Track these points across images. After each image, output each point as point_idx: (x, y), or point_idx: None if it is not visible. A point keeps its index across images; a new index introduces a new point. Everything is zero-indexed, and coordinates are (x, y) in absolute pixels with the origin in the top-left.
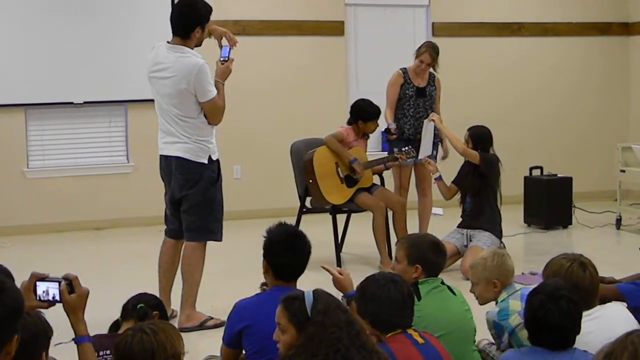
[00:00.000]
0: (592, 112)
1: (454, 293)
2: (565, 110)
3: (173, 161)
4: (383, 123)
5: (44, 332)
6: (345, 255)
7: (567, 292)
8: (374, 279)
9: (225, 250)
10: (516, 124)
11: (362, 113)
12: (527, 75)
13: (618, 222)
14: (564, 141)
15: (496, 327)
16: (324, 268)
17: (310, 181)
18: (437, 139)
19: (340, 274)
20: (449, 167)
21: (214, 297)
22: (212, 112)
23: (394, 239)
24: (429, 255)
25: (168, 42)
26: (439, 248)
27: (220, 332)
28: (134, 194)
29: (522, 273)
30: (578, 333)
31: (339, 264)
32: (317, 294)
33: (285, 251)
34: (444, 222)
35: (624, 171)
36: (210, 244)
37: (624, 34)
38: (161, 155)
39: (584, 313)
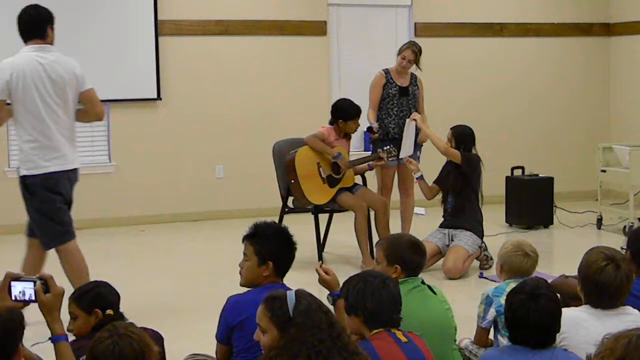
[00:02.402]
0: (574, 113)
1: (434, 292)
2: (547, 110)
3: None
4: (365, 123)
5: (20, 324)
6: (327, 255)
7: (547, 291)
8: (369, 277)
9: (208, 250)
10: (498, 123)
11: (342, 112)
12: (509, 76)
13: (599, 222)
14: (545, 141)
15: (487, 302)
16: (317, 271)
17: (293, 181)
18: (419, 142)
19: (327, 273)
20: (431, 167)
21: (198, 298)
22: None
23: (376, 238)
24: (407, 255)
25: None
26: (418, 247)
27: (198, 331)
28: (115, 194)
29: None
30: (558, 331)
31: (321, 263)
32: (299, 294)
33: (284, 245)
34: (426, 222)
35: (604, 171)
36: (187, 246)
37: (605, 34)
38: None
39: (615, 311)
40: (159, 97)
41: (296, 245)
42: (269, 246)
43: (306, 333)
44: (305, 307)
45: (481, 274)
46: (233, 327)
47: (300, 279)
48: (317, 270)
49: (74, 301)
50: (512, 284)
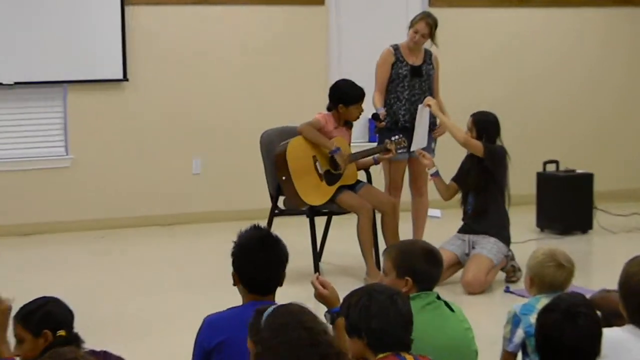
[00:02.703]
0: (617, 97)
1: (452, 310)
2: (585, 94)
3: None
4: (370, 109)
5: None
6: (325, 266)
7: (585, 308)
8: (374, 291)
9: (183, 260)
10: (527, 110)
11: (343, 96)
12: (538, 53)
13: None
14: (583, 131)
15: (514, 321)
16: (313, 284)
17: (284, 178)
18: (435, 128)
19: (324, 286)
20: (448, 161)
21: (171, 317)
22: None
23: (382, 246)
24: (420, 266)
25: None
26: (433, 257)
27: (169, 357)
28: (72, 193)
29: None
30: (598, 355)
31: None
32: (277, 309)
33: (256, 259)
34: (443, 226)
35: None
36: (158, 254)
37: None
38: None
39: None
40: (125, 78)
41: (283, 258)
42: (235, 259)
43: (269, 352)
44: (278, 323)
45: (507, 288)
46: (210, 351)
47: (292, 293)
48: (312, 283)
49: (19, 322)
50: (544, 301)
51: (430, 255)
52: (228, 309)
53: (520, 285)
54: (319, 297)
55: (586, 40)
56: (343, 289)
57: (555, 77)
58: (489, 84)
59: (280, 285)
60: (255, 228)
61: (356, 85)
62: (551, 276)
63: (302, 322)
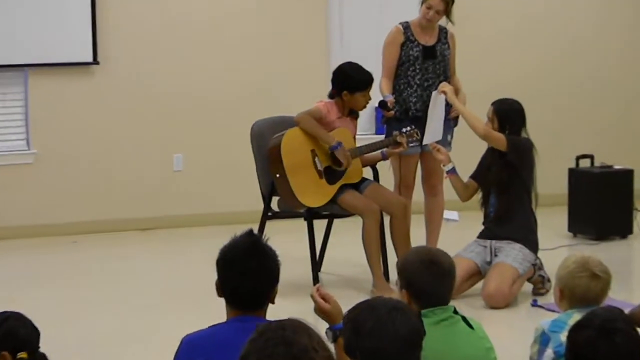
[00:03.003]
0: None
1: (471, 327)
2: (624, 79)
3: None
4: (377, 96)
5: None
6: (325, 276)
7: (623, 324)
8: (371, 306)
9: (162, 269)
10: (556, 97)
11: (347, 81)
12: (569, 30)
13: None
14: (621, 121)
15: (542, 340)
16: (312, 297)
17: (278, 175)
18: (450, 118)
19: (326, 300)
20: (466, 156)
21: (148, 336)
22: None
23: (391, 253)
24: (417, 277)
25: None
26: (435, 267)
27: None
28: (36, 193)
29: None
30: None
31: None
32: (268, 326)
33: (241, 269)
34: (460, 230)
35: None
36: (134, 263)
37: None
38: None
39: None
40: (95, 61)
41: (272, 268)
42: (218, 268)
43: None
44: (259, 344)
45: (535, 301)
46: None
47: (288, 308)
48: (312, 296)
49: None
50: (576, 316)
51: (430, 265)
52: (209, 327)
53: (550, 298)
54: (320, 312)
55: (624, 14)
56: (346, 303)
57: (587, 57)
58: (512, 67)
59: (272, 302)
60: (248, 234)
61: (363, 69)
62: (584, 288)
63: (287, 341)
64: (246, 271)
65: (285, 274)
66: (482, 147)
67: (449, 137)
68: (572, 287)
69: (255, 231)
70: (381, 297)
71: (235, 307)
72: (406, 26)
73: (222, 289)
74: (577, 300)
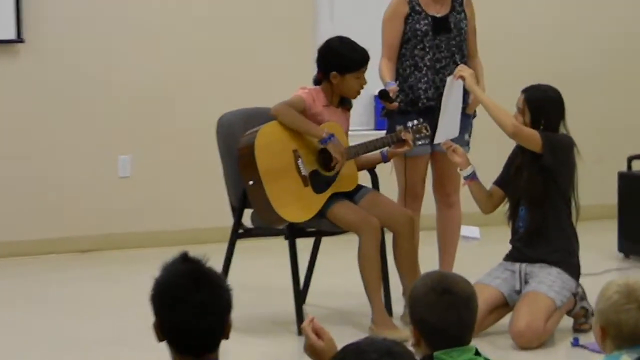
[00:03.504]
0: None
1: None
2: None
3: None
4: (376, 83)
5: None
6: (312, 309)
7: None
8: (359, 351)
9: (104, 301)
10: (604, 86)
11: (337, 59)
12: (620, 8)
13: None
14: None
15: None
16: (304, 331)
17: (251, 182)
18: (468, 110)
19: (319, 336)
20: (489, 158)
21: None
22: None
23: (395, 278)
24: (429, 311)
25: None
26: (449, 298)
27: None
28: None
29: None
30: None
31: (301, 322)
32: None
33: (187, 304)
34: (483, 250)
35: None
36: (69, 293)
37: None
38: None
39: None
40: (19, 39)
41: (221, 299)
42: (156, 305)
43: None
44: None
45: (576, 340)
46: None
47: (266, 349)
48: (304, 330)
49: None
50: (626, 358)
51: (444, 294)
52: None
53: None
54: (311, 350)
55: None
56: (338, 344)
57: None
58: (547, 47)
59: (226, 337)
60: (183, 259)
61: (356, 44)
62: (632, 323)
63: None
64: (193, 306)
65: (262, 307)
66: (509, 146)
67: (466, 135)
68: (617, 324)
69: (191, 257)
70: (374, 339)
71: (183, 352)
72: None
73: (163, 331)
74: (625, 339)
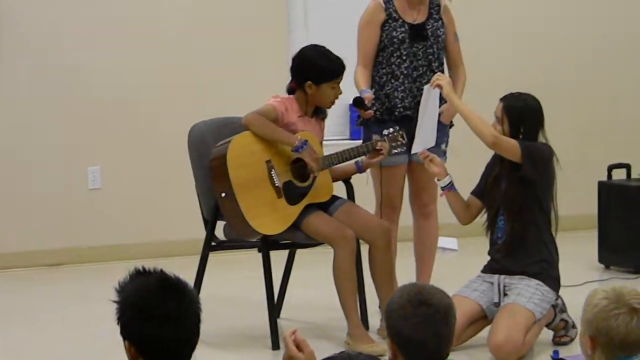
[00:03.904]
0: None
1: None
2: None
3: None
4: (351, 91)
5: None
6: (285, 323)
7: None
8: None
9: (77, 317)
10: (584, 95)
11: (312, 68)
12: (603, 9)
13: None
14: None
15: None
16: (285, 342)
17: (224, 194)
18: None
19: (299, 348)
20: (467, 168)
21: None
22: None
23: (371, 291)
24: (405, 324)
25: None
26: (426, 310)
27: None
28: None
29: None
30: None
31: (275, 336)
32: None
33: (162, 315)
34: (461, 262)
35: None
36: (49, 307)
37: None
38: None
39: None
40: None
41: (192, 310)
42: (126, 322)
43: None
44: None
45: (556, 353)
46: None
47: None
48: (284, 340)
49: None
50: None
51: (421, 307)
52: None
53: (575, 348)
54: None
55: None
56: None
57: (624, 46)
58: (527, 55)
59: (193, 348)
60: (142, 273)
61: (332, 53)
62: (623, 329)
63: None
64: (167, 318)
65: (236, 320)
66: (486, 155)
67: (444, 145)
68: (607, 331)
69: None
70: (350, 353)
71: None
72: (387, 0)
73: (139, 347)
74: (616, 348)
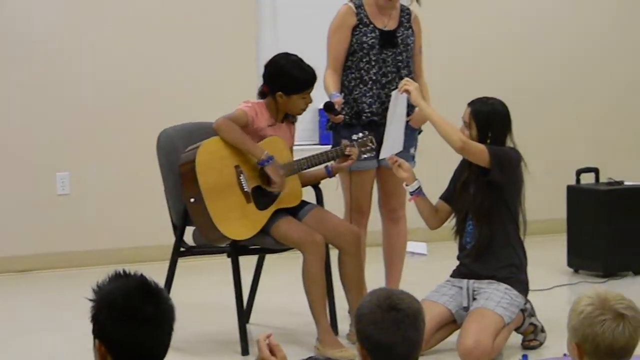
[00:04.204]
0: None
1: None
2: (636, 81)
3: None
4: (322, 96)
5: None
6: (255, 328)
7: None
8: None
9: (46, 323)
10: (552, 99)
11: (284, 79)
12: (573, 25)
13: None
14: (631, 128)
15: None
16: (259, 345)
17: (192, 200)
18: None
19: (273, 353)
20: (435, 172)
21: None
22: None
23: (340, 296)
24: (374, 329)
25: None
26: (395, 315)
27: None
28: None
29: (565, 355)
30: None
31: (244, 342)
32: None
33: (140, 318)
34: (430, 267)
35: None
36: (18, 315)
37: None
38: None
39: None
40: None
41: (167, 314)
42: (102, 324)
43: None
44: None
45: (525, 357)
46: None
47: None
48: (258, 343)
49: None
50: None
51: (390, 311)
52: None
53: (544, 352)
54: None
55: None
56: None
57: (594, 56)
58: (497, 62)
59: (165, 354)
60: (122, 275)
61: (304, 64)
62: (609, 336)
63: None
64: (144, 320)
65: (205, 326)
66: (455, 158)
67: (412, 150)
68: (593, 338)
69: (129, 273)
70: (319, 359)
71: None
72: (359, 5)
73: (113, 350)
74: (603, 354)
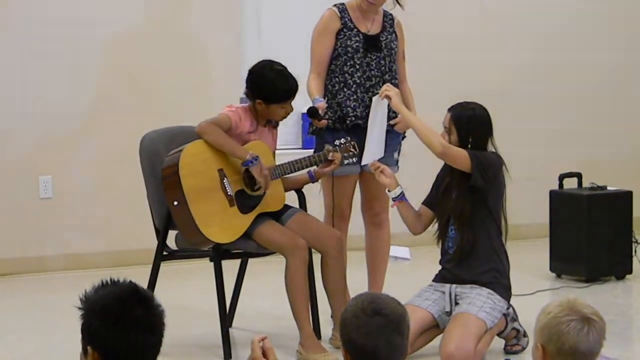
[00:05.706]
0: None
1: None
2: (619, 85)
3: None
4: (305, 101)
5: None
6: (238, 333)
7: None
8: None
9: (28, 328)
10: (535, 104)
11: (265, 88)
12: (552, 25)
13: None
14: (615, 132)
15: None
16: (252, 344)
17: (176, 203)
18: (397, 130)
19: (265, 355)
20: (418, 178)
21: None
22: None
23: (323, 300)
24: (358, 333)
25: None
26: (379, 319)
27: None
28: None
29: None
30: None
31: (227, 346)
32: None
33: (132, 323)
34: (413, 272)
35: None
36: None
37: None
38: None
39: None
40: None
41: (158, 320)
42: (94, 331)
43: None
44: None
45: None
46: None
47: None
48: (252, 344)
49: None
50: None
51: (374, 316)
52: None
53: (526, 357)
54: None
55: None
56: None
57: (574, 58)
58: (480, 67)
59: (156, 356)
60: (112, 283)
61: (286, 74)
62: (573, 336)
63: None
64: (138, 323)
65: (188, 330)
66: (437, 164)
67: (395, 154)
68: (558, 337)
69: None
70: None
71: None
72: (342, 9)
73: (102, 353)
74: (568, 355)
